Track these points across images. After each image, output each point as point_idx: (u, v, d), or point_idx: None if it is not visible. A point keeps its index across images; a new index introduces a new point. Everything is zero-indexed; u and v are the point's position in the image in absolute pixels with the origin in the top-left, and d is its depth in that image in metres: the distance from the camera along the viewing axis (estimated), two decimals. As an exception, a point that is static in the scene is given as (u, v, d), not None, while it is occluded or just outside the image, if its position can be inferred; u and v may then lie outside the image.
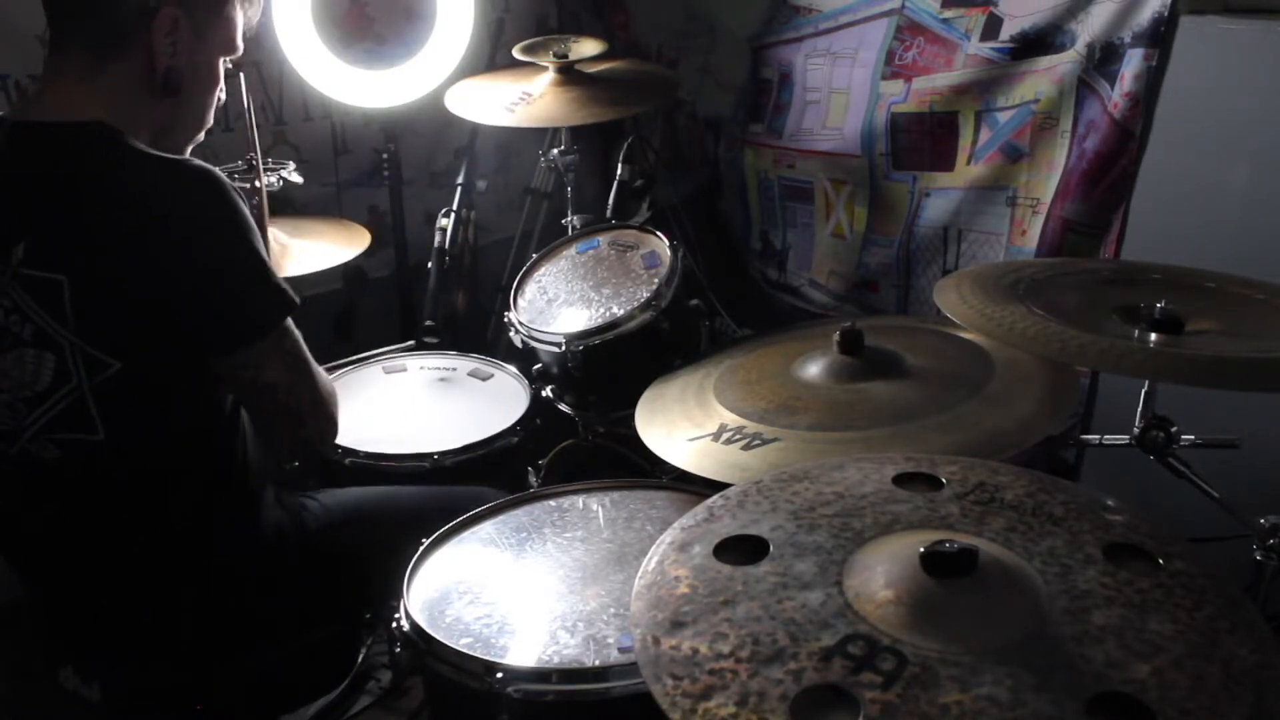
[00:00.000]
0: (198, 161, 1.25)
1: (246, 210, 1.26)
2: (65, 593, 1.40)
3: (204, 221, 1.22)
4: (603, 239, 2.17)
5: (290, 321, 1.31)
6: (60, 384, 1.24)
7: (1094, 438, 1.63)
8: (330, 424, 1.43)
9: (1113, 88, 2.05)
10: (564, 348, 1.89)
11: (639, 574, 0.96)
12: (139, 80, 1.29)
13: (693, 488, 1.51)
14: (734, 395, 1.54)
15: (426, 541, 1.42)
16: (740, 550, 0.96)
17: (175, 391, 1.29)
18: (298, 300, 1.31)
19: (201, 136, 1.42)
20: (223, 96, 1.42)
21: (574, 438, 2.12)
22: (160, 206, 1.21)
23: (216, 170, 1.24)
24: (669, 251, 2.01)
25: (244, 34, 1.40)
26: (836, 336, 1.50)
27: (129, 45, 1.27)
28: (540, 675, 1.17)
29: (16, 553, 1.40)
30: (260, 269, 1.27)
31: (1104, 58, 2.06)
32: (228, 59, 1.39)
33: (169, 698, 1.40)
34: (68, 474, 1.29)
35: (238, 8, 1.37)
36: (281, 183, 2.07)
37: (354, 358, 2.15)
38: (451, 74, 2.45)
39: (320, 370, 1.40)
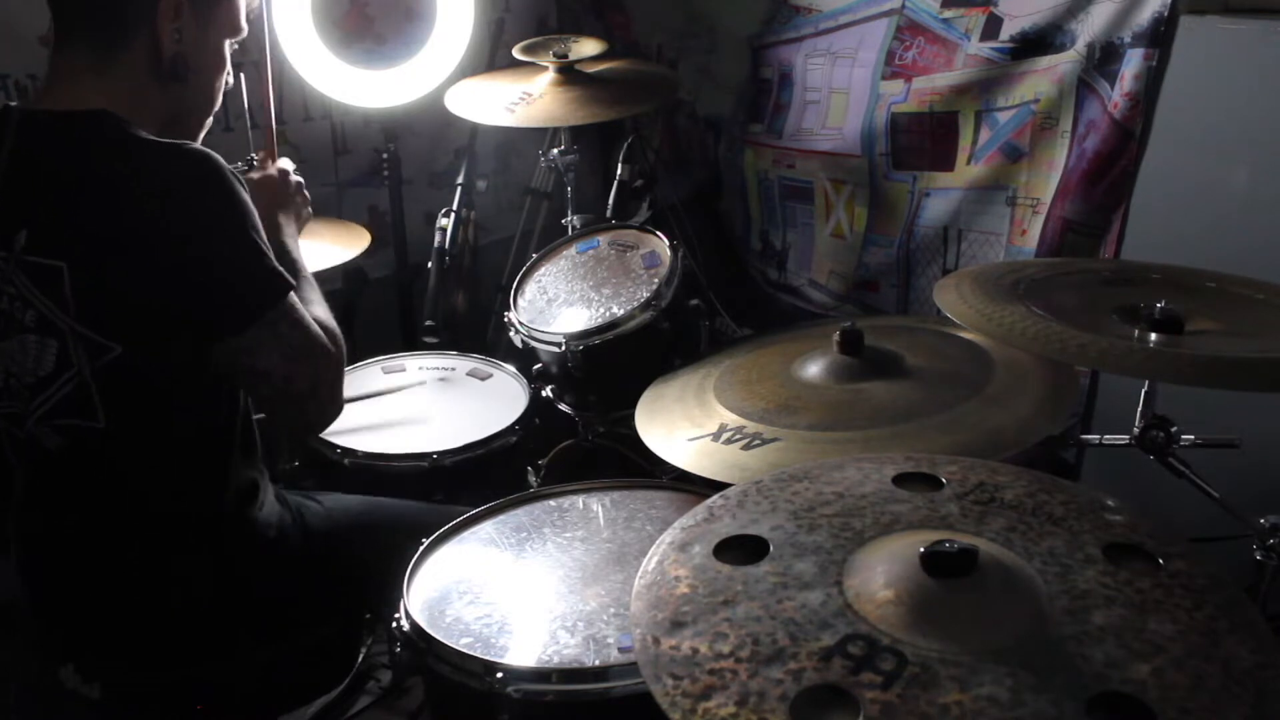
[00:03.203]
0: (195, 145, 1.25)
1: (245, 194, 1.25)
2: (65, 591, 1.40)
3: (198, 205, 1.22)
4: (603, 239, 2.17)
5: (289, 304, 1.29)
6: (62, 370, 1.24)
7: (1094, 438, 1.63)
8: (331, 406, 1.39)
9: (1113, 88, 2.05)
10: (564, 348, 1.89)
11: (639, 574, 0.96)
12: (146, 70, 1.30)
13: (693, 488, 1.51)
14: (734, 395, 1.54)
15: (427, 541, 1.42)
16: (740, 550, 0.96)
17: (175, 378, 1.29)
18: (293, 282, 1.30)
19: (210, 120, 1.43)
20: (230, 80, 1.42)
21: (574, 438, 2.12)
22: (156, 190, 1.21)
23: (214, 154, 1.24)
24: (669, 251, 2.01)
25: (246, 15, 1.41)
26: (836, 336, 1.50)
27: (135, 36, 1.28)
28: (540, 675, 1.17)
29: (18, 548, 1.40)
30: (253, 253, 1.26)
31: (1104, 58, 2.06)
32: (234, 41, 1.40)
33: (169, 697, 1.40)
34: (70, 462, 1.29)
35: None
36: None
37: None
38: (451, 74, 2.45)
39: (327, 345, 1.36)
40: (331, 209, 2.69)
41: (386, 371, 2.15)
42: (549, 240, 2.29)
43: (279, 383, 1.31)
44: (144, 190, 1.21)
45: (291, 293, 1.29)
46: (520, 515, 1.51)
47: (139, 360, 1.25)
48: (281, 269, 1.29)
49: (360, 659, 1.65)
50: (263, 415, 1.46)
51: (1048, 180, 2.20)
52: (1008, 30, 2.19)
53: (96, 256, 1.22)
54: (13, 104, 1.33)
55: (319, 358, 1.34)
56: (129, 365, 1.24)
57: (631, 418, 1.61)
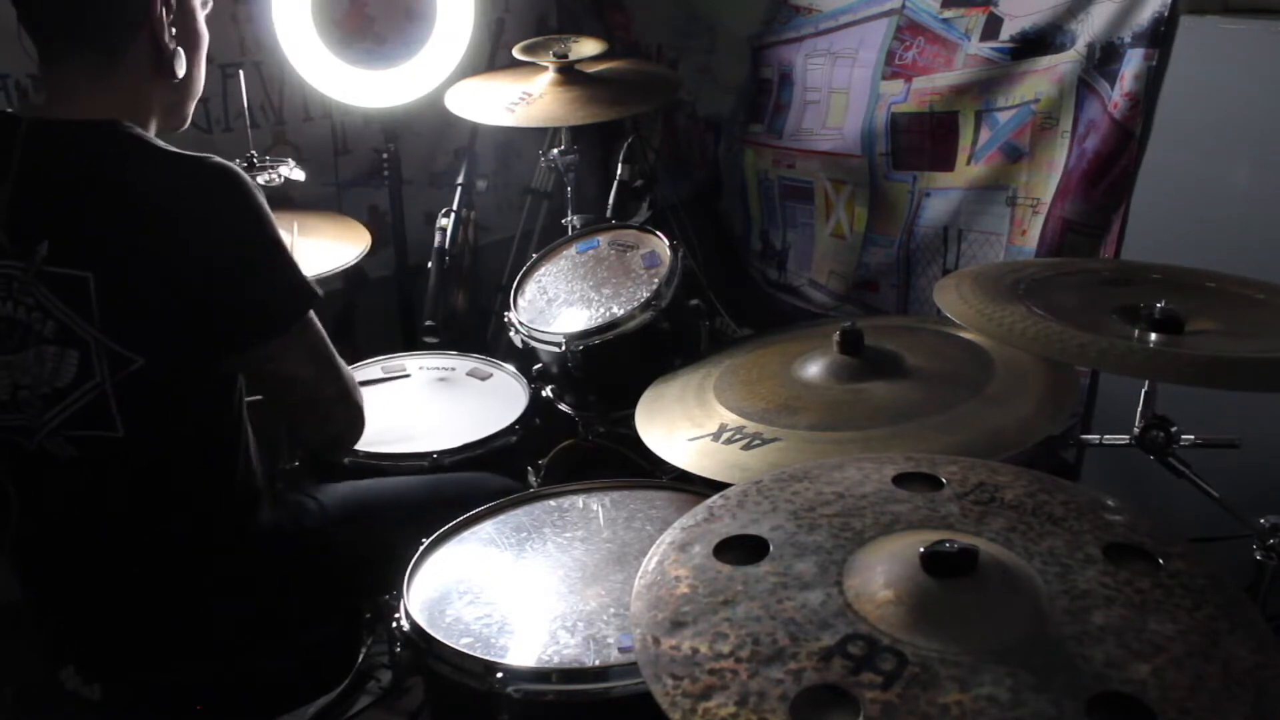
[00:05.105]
0: (217, 159, 1.25)
1: (266, 205, 1.27)
2: (67, 592, 1.40)
3: (224, 219, 1.23)
4: (603, 239, 2.17)
5: (313, 315, 1.32)
6: (82, 381, 1.24)
7: (1094, 438, 1.63)
8: (358, 416, 1.43)
9: (1113, 88, 2.05)
10: (564, 348, 1.89)
11: (639, 574, 0.96)
12: (149, 68, 1.31)
13: (693, 488, 1.51)
14: (734, 395, 1.54)
15: (427, 541, 1.42)
16: (740, 550, 0.96)
17: (193, 389, 1.30)
18: (320, 292, 1.31)
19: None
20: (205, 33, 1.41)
21: (574, 438, 2.12)
22: (181, 205, 1.22)
23: (236, 167, 1.25)
24: (669, 251, 2.01)
25: None
26: (836, 336, 1.50)
27: (133, 39, 1.28)
28: (540, 675, 1.17)
29: (22, 551, 1.40)
30: (279, 264, 1.28)
31: (1104, 58, 2.06)
32: (206, 8, 1.40)
33: (169, 698, 1.40)
34: (81, 472, 1.29)
35: None
36: (282, 179, 2.07)
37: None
38: (451, 74, 2.45)
39: (344, 364, 1.40)
40: (332, 209, 2.69)
41: (386, 372, 2.15)
42: (549, 240, 2.29)
43: (309, 387, 1.33)
44: (168, 204, 1.22)
45: (314, 306, 1.31)
46: (520, 515, 1.51)
47: (160, 371, 1.25)
48: (306, 278, 1.30)
49: (360, 659, 1.64)
50: (284, 424, 1.45)
51: (1048, 180, 2.20)
52: (1008, 30, 2.19)
53: (122, 268, 1.22)
54: (9, 110, 1.33)
55: (341, 367, 1.38)
56: (150, 376, 1.24)
57: (631, 418, 1.61)
